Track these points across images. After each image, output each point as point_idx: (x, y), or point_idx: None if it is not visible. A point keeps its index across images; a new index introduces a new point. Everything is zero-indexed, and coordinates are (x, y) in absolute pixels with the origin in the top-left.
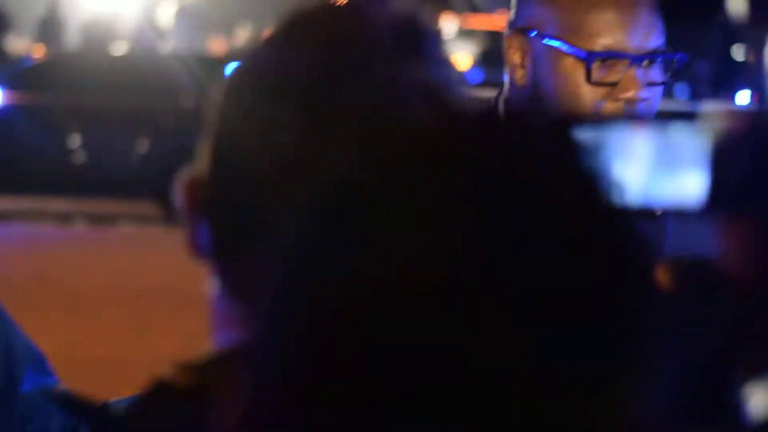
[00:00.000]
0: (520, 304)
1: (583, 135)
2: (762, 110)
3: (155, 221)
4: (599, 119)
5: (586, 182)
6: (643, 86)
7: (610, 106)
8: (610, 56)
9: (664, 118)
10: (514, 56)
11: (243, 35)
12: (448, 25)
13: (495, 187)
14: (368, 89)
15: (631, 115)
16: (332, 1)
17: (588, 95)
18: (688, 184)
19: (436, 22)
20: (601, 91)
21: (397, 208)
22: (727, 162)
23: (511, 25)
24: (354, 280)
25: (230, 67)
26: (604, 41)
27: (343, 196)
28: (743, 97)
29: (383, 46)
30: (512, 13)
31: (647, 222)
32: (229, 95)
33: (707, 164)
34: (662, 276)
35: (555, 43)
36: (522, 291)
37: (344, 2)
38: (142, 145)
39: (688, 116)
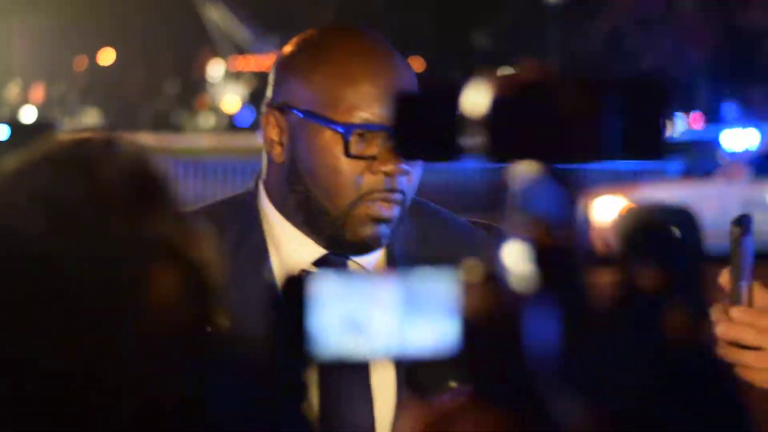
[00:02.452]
0: None
1: (330, 284)
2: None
3: None
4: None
5: None
6: (402, 159)
7: (369, 180)
8: (367, 129)
9: (405, 253)
10: (272, 133)
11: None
12: (215, 68)
13: None
14: (107, 252)
15: (377, 268)
16: (59, 155)
17: (347, 169)
18: (437, 331)
19: (204, 65)
20: (360, 164)
21: None
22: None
23: (269, 102)
24: None
25: None
26: (362, 114)
27: None
28: None
29: (117, 205)
30: (269, 90)
31: None
32: None
33: (455, 311)
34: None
35: (312, 118)
36: None
37: (70, 158)
38: None
39: (432, 249)
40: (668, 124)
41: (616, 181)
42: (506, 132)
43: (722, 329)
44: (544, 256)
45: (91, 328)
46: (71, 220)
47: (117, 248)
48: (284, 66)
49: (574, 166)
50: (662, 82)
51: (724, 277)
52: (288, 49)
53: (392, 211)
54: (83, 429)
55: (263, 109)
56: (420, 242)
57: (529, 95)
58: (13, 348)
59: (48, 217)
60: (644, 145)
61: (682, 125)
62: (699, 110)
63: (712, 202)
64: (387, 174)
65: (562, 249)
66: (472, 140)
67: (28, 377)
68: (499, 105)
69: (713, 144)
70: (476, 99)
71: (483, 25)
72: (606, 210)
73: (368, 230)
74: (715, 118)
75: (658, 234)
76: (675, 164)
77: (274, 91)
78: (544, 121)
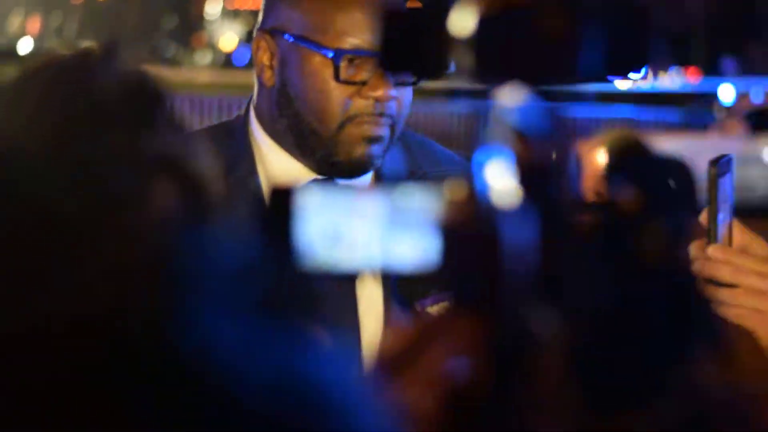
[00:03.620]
0: None
1: (312, 196)
2: None
3: None
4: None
5: None
6: (392, 85)
7: (359, 103)
8: (357, 54)
9: (394, 180)
10: (263, 57)
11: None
12: (213, 5)
13: None
14: (103, 165)
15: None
16: (60, 59)
17: (336, 93)
18: (419, 244)
19: (202, 2)
20: (349, 89)
21: None
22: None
23: (260, 26)
24: None
25: None
26: (352, 40)
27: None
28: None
29: (115, 117)
30: (260, 15)
31: None
32: None
33: (437, 226)
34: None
35: (302, 42)
36: None
37: (69, 69)
38: None
39: (420, 178)
40: (650, 45)
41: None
42: (492, 51)
43: (698, 266)
44: (525, 171)
45: (87, 242)
46: (70, 132)
47: (115, 161)
48: None
49: (559, 86)
50: (646, 8)
51: (703, 216)
52: None
53: (382, 131)
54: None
55: (255, 33)
56: (408, 171)
57: (513, 14)
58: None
59: (46, 128)
60: (625, 62)
61: (679, 78)
62: (696, 63)
63: (707, 156)
64: (376, 99)
65: (544, 167)
66: (459, 59)
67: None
68: (485, 25)
69: (710, 97)
70: (463, 18)
71: None
72: (599, 158)
73: (359, 149)
74: (712, 72)
75: (641, 158)
76: (671, 116)
77: (266, 16)
78: (529, 41)
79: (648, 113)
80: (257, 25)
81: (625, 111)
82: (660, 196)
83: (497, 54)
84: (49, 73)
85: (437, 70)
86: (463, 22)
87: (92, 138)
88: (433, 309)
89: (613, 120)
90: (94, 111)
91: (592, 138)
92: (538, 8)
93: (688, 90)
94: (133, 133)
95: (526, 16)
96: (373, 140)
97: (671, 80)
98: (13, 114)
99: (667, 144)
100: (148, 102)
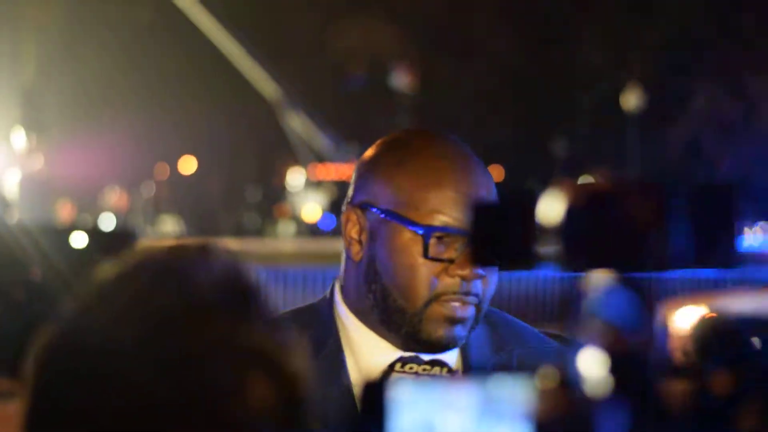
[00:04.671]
0: None
1: (407, 389)
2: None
3: (6, 396)
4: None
5: None
6: (479, 264)
7: (445, 281)
8: (446, 232)
9: (481, 359)
10: (352, 231)
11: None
12: (295, 176)
13: None
14: (201, 359)
15: (451, 370)
16: (153, 263)
17: (424, 270)
18: None
19: (284, 173)
20: (437, 266)
21: None
22: None
23: (350, 200)
24: None
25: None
26: (441, 218)
27: None
28: None
29: (213, 313)
30: (350, 189)
31: None
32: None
33: (529, 417)
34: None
35: (392, 218)
36: None
37: (166, 267)
38: None
39: (507, 356)
40: (740, 231)
41: (698, 291)
42: (580, 241)
43: None
44: (617, 362)
45: None
46: (168, 328)
47: (212, 356)
48: (367, 166)
49: (648, 274)
50: (733, 188)
51: None
52: (371, 150)
53: (467, 312)
54: None
55: (344, 207)
56: (494, 349)
57: (602, 205)
58: None
59: (145, 325)
60: (716, 254)
61: (764, 234)
62: None
63: None
64: (463, 278)
65: (635, 356)
66: (548, 249)
67: None
68: (572, 214)
69: None
70: (551, 208)
71: (562, 133)
72: (686, 319)
73: (443, 330)
74: None
75: (733, 343)
76: (758, 274)
77: (356, 190)
78: (617, 230)
79: (734, 272)
80: (347, 200)
81: (710, 271)
82: (754, 369)
83: (584, 243)
84: (147, 271)
85: (527, 261)
86: (551, 211)
87: (188, 333)
88: None
89: (697, 279)
90: (191, 307)
91: (679, 305)
92: (625, 197)
93: None
94: (228, 327)
95: (613, 205)
96: (457, 321)
97: (757, 237)
98: (112, 310)
99: (753, 302)
100: (243, 297)
